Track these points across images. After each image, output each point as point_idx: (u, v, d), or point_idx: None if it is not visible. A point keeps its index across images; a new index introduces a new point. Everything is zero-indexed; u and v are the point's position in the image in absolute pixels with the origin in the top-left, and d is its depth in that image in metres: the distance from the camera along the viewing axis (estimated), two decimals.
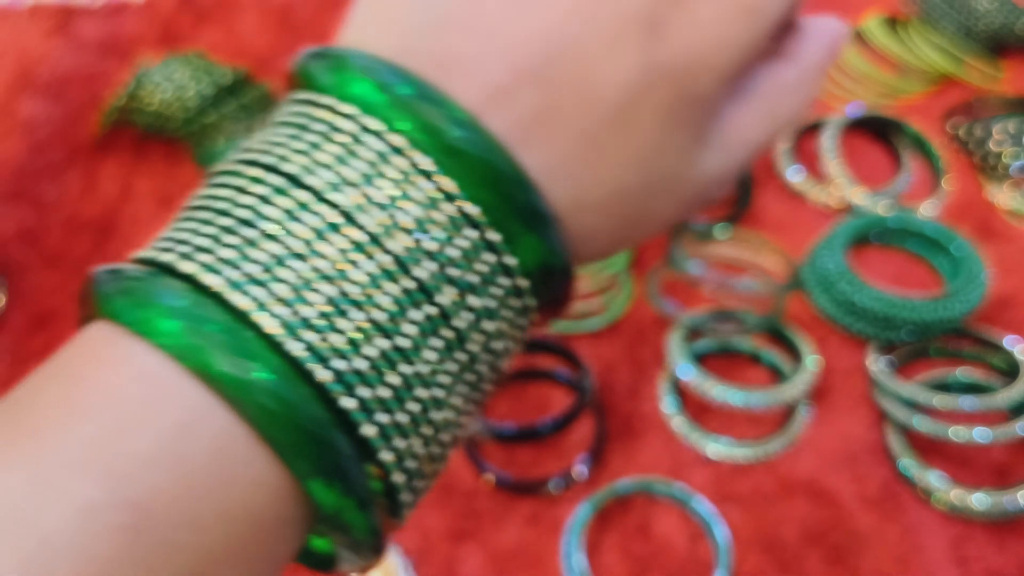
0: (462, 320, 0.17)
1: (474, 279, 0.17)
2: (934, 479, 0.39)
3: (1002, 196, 0.50)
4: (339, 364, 0.16)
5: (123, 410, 0.15)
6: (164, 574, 0.15)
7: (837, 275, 0.45)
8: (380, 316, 0.16)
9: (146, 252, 0.17)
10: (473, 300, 0.17)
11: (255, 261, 0.16)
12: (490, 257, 0.17)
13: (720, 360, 0.44)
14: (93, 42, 0.62)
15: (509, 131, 0.17)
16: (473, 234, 0.17)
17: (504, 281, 0.17)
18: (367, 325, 0.16)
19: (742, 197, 0.51)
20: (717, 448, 0.41)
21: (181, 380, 0.15)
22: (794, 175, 0.52)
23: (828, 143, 0.52)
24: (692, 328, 0.45)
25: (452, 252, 0.17)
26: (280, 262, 0.16)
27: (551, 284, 0.18)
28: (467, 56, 0.17)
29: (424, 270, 0.16)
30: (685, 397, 0.43)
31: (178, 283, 0.16)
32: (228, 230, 0.16)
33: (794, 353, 0.44)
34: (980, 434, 0.39)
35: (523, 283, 0.18)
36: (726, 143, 0.20)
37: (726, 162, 0.20)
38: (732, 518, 0.39)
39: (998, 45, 0.57)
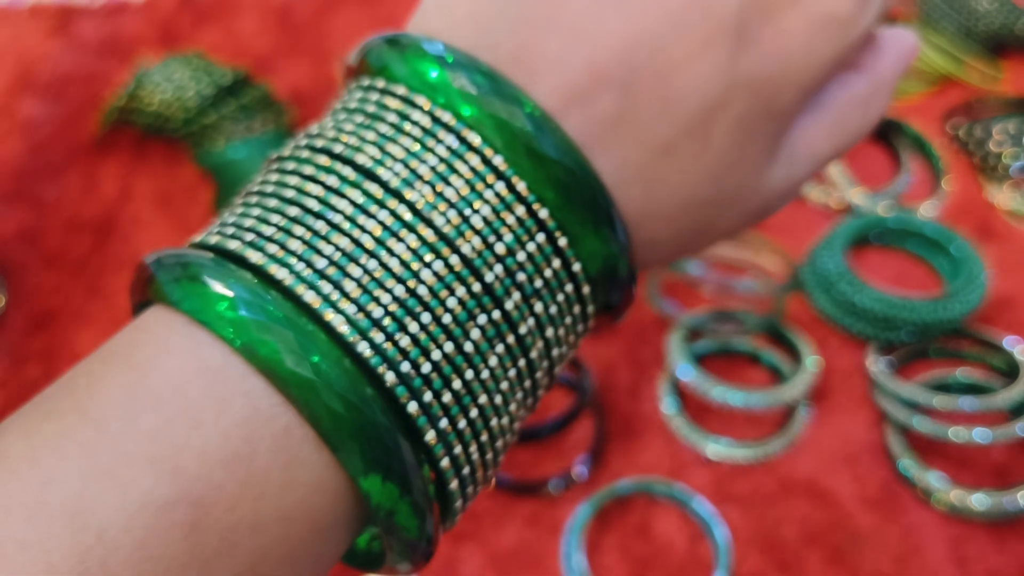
0: (526, 326, 0.17)
1: (540, 285, 0.17)
2: (934, 479, 0.39)
3: (1002, 196, 0.50)
4: (406, 368, 0.15)
5: (188, 405, 0.15)
6: (220, 573, 0.14)
7: (837, 275, 0.45)
8: (448, 319, 0.16)
9: (209, 237, 0.17)
10: (538, 306, 0.17)
11: (324, 255, 0.15)
12: (557, 263, 0.17)
13: (720, 361, 0.44)
14: (93, 42, 0.62)
15: (584, 134, 0.17)
16: (541, 238, 0.16)
17: (569, 288, 0.17)
18: (434, 328, 0.16)
19: None
20: (717, 448, 0.41)
21: (246, 376, 0.15)
22: None
23: None
24: (692, 328, 0.45)
25: (520, 256, 0.16)
26: (350, 258, 0.15)
27: (612, 291, 0.18)
28: (547, 55, 0.17)
29: (493, 274, 0.16)
30: (685, 397, 0.43)
31: (244, 273, 0.15)
32: (296, 220, 0.16)
33: (794, 354, 0.44)
34: (980, 435, 0.39)
35: (586, 290, 0.17)
36: (794, 156, 0.19)
37: (792, 175, 0.19)
38: (732, 518, 0.39)
39: (998, 45, 0.57)
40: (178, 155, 0.54)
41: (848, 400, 0.43)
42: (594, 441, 0.41)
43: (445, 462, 0.16)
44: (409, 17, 0.19)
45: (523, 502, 0.40)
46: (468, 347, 0.16)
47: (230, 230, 0.16)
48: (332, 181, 0.16)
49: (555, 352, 0.18)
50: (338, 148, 0.17)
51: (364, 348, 0.15)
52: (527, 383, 0.17)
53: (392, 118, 0.17)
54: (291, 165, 0.17)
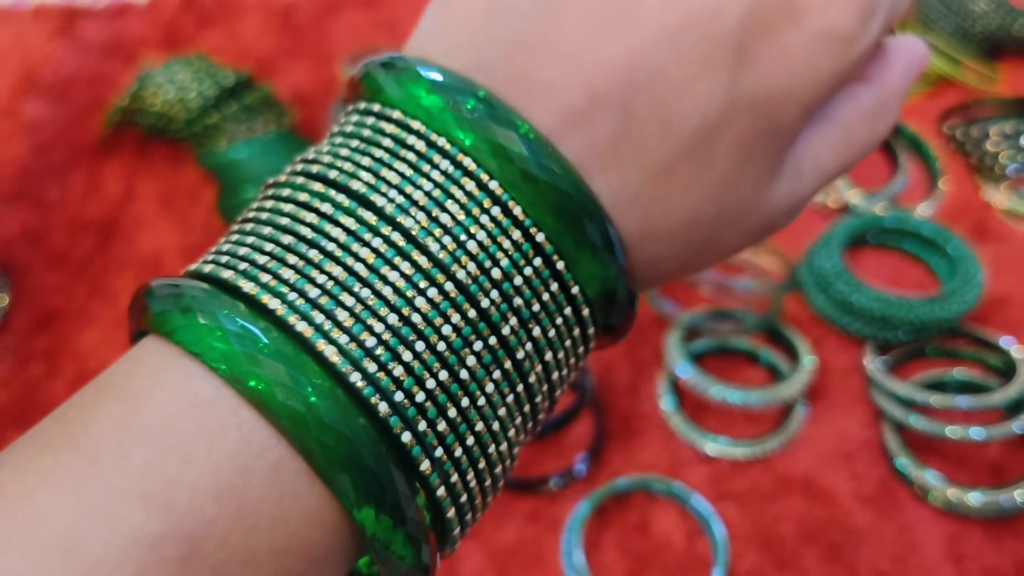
0: (523, 351, 0.16)
1: (537, 309, 0.16)
2: (930, 477, 0.39)
3: (998, 197, 0.51)
4: (400, 397, 0.15)
5: (180, 438, 0.14)
6: None
7: (834, 275, 0.45)
8: (443, 347, 0.15)
9: (204, 266, 0.16)
10: (536, 331, 0.16)
11: (317, 284, 0.15)
12: (555, 287, 0.16)
13: (718, 359, 0.45)
14: (96, 44, 0.62)
15: (582, 156, 0.16)
16: (539, 262, 0.16)
17: (568, 311, 0.17)
18: (429, 356, 0.15)
19: None
20: (715, 446, 0.41)
21: (237, 409, 0.15)
22: None
23: None
24: (690, 328, 0.45)
25: (518, 280, 0.16)
26: (343, 287, 0.15)
27: (613, 312, 0.17)
28: (544, 77, 0.16)
29: (489, 299, 0.16)
30: (683, 396, 0.43)
31: (237, 304, 0.15)
32: (290, 249, 0.16)
33: (791, 352, 0.44)
34: (976, 432, 0.39)
35: (586, 312, 0.17)
36: (799, 171, 0.19)
37: (797, 191, 0.19)
38: (730, 516, 0.39)
39: (995, 47, 0.57)
40: (181, 156, 0.54)
41: (845, 398, 0.43)
42: (593, 439, 0.42)
43: (441, 491, 0.16)
44: (410, 20, 0.19)
45: (523, 499, 0.40)
46: (464, 375, 0.16)
47: (224, 259, 0.16)
48: (326, 208, 0.16)
49: (555, 376, 0.17)
50: (333, 174, 0.16)
51: (357, 378, 0.15)
52: (526, 408, 0.17)
53: (387, 143, 0.16)
54: (286, 192, 0.17)
